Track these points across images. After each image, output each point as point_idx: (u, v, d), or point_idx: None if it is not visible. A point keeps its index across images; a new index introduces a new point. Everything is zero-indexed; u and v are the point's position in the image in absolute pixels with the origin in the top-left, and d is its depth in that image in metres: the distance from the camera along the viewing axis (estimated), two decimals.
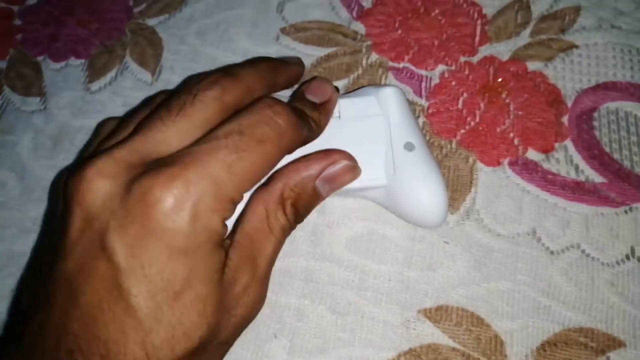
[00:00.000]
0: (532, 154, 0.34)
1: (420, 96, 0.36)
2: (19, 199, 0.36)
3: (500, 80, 0.35)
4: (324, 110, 0.30)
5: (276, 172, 0.27)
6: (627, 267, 0.31)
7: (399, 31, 0.38)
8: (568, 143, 0.34)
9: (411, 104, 0.35)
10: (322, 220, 0.33)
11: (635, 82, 0.35)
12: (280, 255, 0.32)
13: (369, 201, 0.33)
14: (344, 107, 0.31)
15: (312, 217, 0.33)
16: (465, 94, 0.35)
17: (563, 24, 0.37)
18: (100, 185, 0.23)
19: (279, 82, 0.30)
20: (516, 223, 0.32)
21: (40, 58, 0.41)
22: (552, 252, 0.31)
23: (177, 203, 0.22)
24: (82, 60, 0.40)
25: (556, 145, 0.34)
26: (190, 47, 0.40)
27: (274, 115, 0.25)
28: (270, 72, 0.29)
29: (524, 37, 0.37)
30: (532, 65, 0.36)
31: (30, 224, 0.35)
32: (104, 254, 0.22)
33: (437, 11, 0.38)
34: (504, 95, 0.35)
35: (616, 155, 0.33)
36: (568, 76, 0.36)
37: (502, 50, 0.37)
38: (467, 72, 0.36)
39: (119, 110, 0.38)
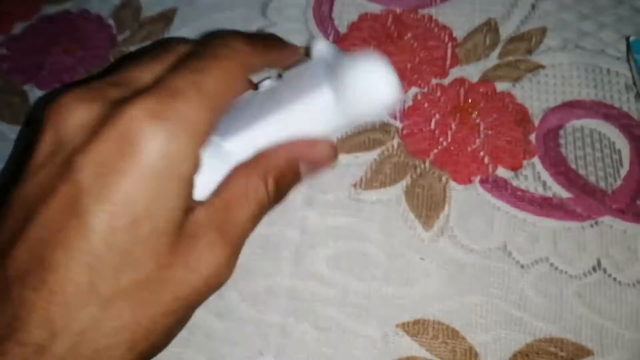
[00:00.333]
0: (502, 172, 0.35)
1: (395, 118, 0.37)
2: None
3: (470, 101, 0.37)
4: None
5: (262, 151, 0.27)
6: (594, 279, 0.32)
7: None
8: (536, 160, 0.35)
9: (385, 125, 0.37)
10: (304, 240, 0.35)
11: (599, 100, 0.37)
12: (264, 274, 0.34)
13: (349, 219, 0.34)
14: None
15: (295, 237, 0.35)
16: (437, 115, 0.37)
17: (530, 45, 0.39)
18: (74, 108, 0.22)
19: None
20: (488, 238, 0.34)
21: (27, 86, 0.42)
22: (522, 266, 0.33)
23: (153, 123, 0.21)
24: None
25: (524, 162, 0.35)
26: None
27: (228, 39, 0.25)
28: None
29: (493, 59, 0.39)
30: (501, 86, 0.38)
31: None
32: (68, 174, 0.21)
33: (409, 35, 0.40)
34: (474, 116, 0.37)
35: (582, 171, 0.35)
36: (535, 95, 0.37)
37: (472, 72, 0.38)
38: (438, 93, 0.37)
39: None
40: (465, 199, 0.35)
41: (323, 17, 0.42)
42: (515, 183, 0.35)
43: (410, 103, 0.38)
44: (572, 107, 0.37)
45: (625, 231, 0.33)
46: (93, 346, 0.21)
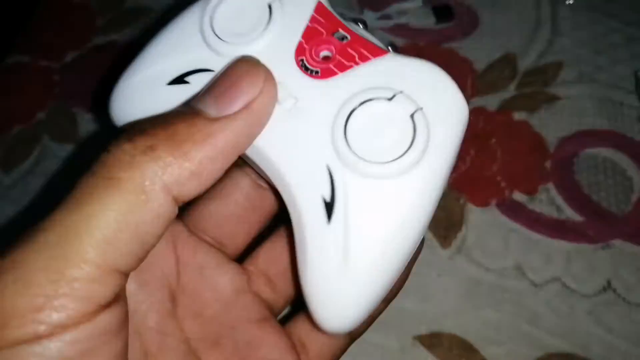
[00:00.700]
0: (518, 196, 0.37)
1: None
2: None
3: (488, 129, 0.39)
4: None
5: None
6: (604, 298, 0.34)
7: None
8: (550, 186, 0.37)
9: None
10: None
11: (612, 130, 0.39)
12: None
13: None
14: None
15: None
16: None
17: (546, 78, 0.41)
18: None
19: None
20: (503, 258, 0.36)
21: (75, 109, 0.45)
22: (535, 285, 0.35)
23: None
24: None
25: (540, 187, 0.37)
26: None
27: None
28: None
29: (511, 90, 0.41)
30: (518, 115, 0.40)
31: None
32: None
33: None
34: (492, 142, 0.39)
35: (594, 197, 0.37)
36: (551, 125, 0.39)
37: (491, 101, 0.40)
38: None
39: None
40: (482, 221, 0.37)
41: None
42: (530, 206, 0.37)
43: None
44: (586, 136, 0.39)
45: (635, 254, 0.35)
46: None
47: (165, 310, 0.25)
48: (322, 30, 0.23)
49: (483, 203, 0.37)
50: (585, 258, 0.35)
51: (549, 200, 0.37)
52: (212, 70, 0.23)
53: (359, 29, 0.24)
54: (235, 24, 0.23)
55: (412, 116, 0.21)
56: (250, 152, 0.22)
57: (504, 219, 0.37)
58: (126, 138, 0.19)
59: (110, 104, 0.25)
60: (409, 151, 0.20)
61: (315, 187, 0.21)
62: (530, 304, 0.34)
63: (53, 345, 0.17)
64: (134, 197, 0.18)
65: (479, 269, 0.35)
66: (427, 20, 0.45)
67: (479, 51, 0.43)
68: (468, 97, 0.41)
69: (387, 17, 0.45)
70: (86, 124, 0.45)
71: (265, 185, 0.28)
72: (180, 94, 0.23)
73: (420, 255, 0.36)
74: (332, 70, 0.22)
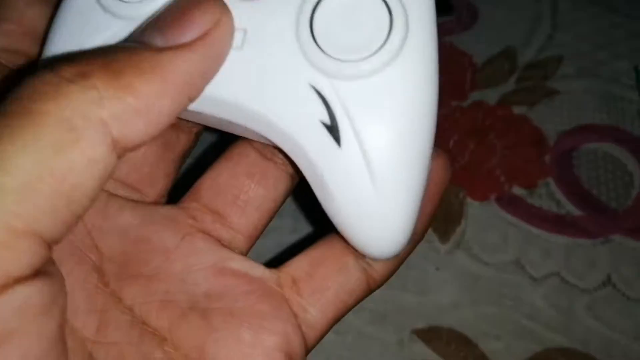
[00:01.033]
0: (517, 190, 0.37)
1: None
2: None
3: (488, 122, 0.39)
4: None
5: None
6: (603, 293, 0.34)
7: None
8: (550, 180, 0.37)
9: None
10: None
11: (612, 124, 0.38)
12: None
13: None
14: None
15: None
16: (456, 136, 0.39)
17: (546, 72, 0.41)
18: None
19: None
20: (502, 253, 0.35)
21: None
22: (534, 279, 0.34)
23: None
24: None
25: (539, 182, 0.37)
26: None
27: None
28: None
29: (511, 84, 0.41)
30: (518, 109, 0.40)
31: None
32: None
33: None
34: (491, 137, 0.38)
35: (594, 191, 0.36)
36: (550, 119, 0.39)
37: (491, 95, 0.40)
38: (458, 115, 0.39)
39: None
40: (481, 215, 0.36)
41: None
42: (529, 201, 0.37)
43: None
44: (586, 130, 0.38)
45: (635, 249, 0.35)
46: None
47: (92, 285, 0.20)
48: None
49: (482, 197, 0.37)
50: (585, 253, 0.35)
51: (548, 195, 0.37)
52: None
53: None
54: None
55: None
56: (219, 112, 0.19)
57: (503, 214, 0.36)
58: (48, 68, 0.15)
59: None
60: (392, 35, 0.18)
61: (309, 115, 0.18)
62: (529, 299, 0.34)
63: None
64: (59, 135, 0.14)
65: (477, 263, 0.35)
66: None
67: (478, 45, 0.43)
68: (467, 91, 0.41)
69: None
70: None
71: None
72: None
73: (419, 249, 0.35)
74: None
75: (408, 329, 0.34)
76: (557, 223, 0.36)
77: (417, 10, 0.18)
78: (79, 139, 0.14)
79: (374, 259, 0.21)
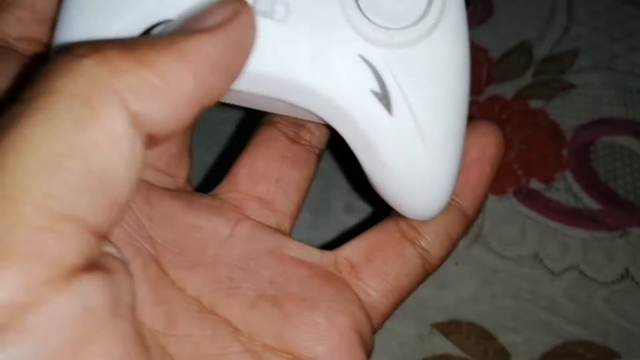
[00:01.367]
0: (535, 184, 0.37)
1: None
2: None
3: (504, 117, 0.39)
4: None
5: None
6: (622, 286, 0.34)
7: None
8: (567, 173, 0.37)
9: None
10: None
11: (629, 118, 0.39)
12: None
13: None
14: None
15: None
16: None
17: (562, 65, 0.41)
18: None
19: None
20: (520, 246, 0.36)
21: None
22: (553, 273, 0.35)
23: None
24: None
25: (556, 175, 0.37)
26: None
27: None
28: None
29: (527, 78, 0.41)
30: (534, 103, 0.40)
31: None
32: None
33: None
34: (508, 131, 0.39)
35: (611, 184, 0.37)
36: (567, 113, 0.39)
37: (507, 89, 0.40)
38: (474, 110, 0.40)
39: None
40: (499, 209, 0.37)
41: None
42: (547, 194, 0.37)
43: None
44: (603, 124, 0.39)
45: None
46: None
47: (153, 275, 0.20)
48: None
49: (499, 191, 0.37)
50: (603, 246, 0.35)
51: (565, 189, 0.37)
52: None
53: None
54: None
55: None
56: (263, 89, 0.19)
57: (520, 207, 0.37)
58: (63, 52, 0.14)
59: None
60: (433, 2, 0.19)
61: (359, 85, 0.19)
62: (547, 292, 0.34)
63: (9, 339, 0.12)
64: (76, 111, 0.13)
65: (495, 257, 0.35)
66: None
67: (494, 39, 0.43)
68: (483, 86, 0.41)
69: None
70: None
71: None
72: None
73: None
74: None
75: (428, 323, 0.34)
76: (575, 216, 0.36)
77: None
78: (96, 114, 0.13)
79: (420, 219, 0.22)
